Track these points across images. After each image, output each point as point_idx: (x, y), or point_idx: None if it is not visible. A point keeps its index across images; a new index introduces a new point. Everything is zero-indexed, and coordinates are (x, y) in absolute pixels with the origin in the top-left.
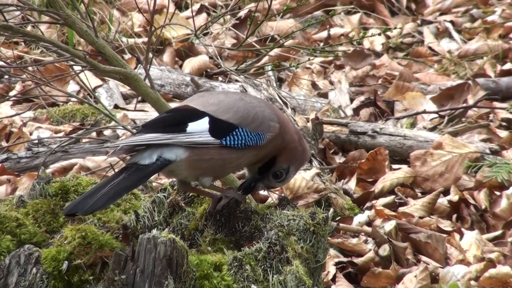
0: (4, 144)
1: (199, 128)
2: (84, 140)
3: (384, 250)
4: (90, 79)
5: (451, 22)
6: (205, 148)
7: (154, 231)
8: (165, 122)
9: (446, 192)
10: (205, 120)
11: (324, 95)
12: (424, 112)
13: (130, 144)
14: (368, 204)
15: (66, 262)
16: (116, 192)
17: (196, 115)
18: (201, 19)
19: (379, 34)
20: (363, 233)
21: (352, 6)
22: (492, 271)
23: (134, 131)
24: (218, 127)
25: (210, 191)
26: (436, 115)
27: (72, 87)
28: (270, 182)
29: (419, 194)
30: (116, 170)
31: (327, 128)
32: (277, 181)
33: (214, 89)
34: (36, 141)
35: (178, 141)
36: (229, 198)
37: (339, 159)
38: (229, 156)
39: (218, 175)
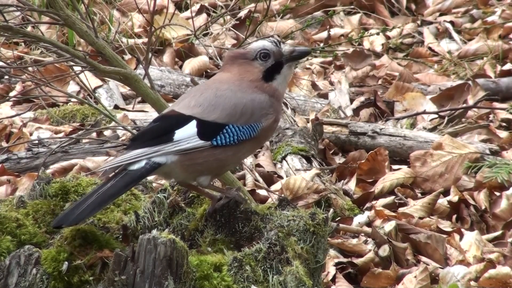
0: (4, 144)
1: (186, 134)
2: (84, 141)
3: (384, 250)
4: (90, 80)
5: (451, 22)
6: (197, 151)
7: (154, 232)
8: (151, 133)
9: (446, 193)
10: (192, 124)
11: (324, 96)
12: (424, 112)
13: (117, 165)
14: (368, 205)
15: (66, 262)
16: (103, 200)
17: (183, 120)
18: (201, 19)
19: (378, 34)
20: (363, 234)
21: (352, 7)
22: (492, 272)
23: (134, 131)
24: (206, 129)
25: (210, 192)
26: (436, 116)
27: (72, 87)
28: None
29: (419, 195)
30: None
31: (327, 128)
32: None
33: None
34: (36, 142)
35: (167, 152)
36: (229, 198)
37: (339, 160)
38: (224, 155)
39: (219, 173)
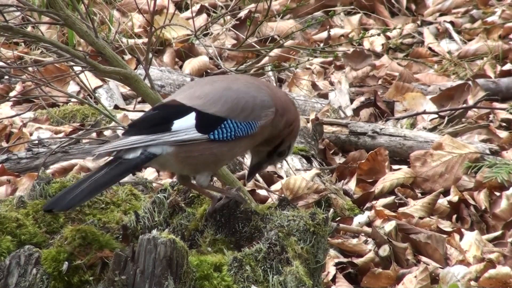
0: (4, 144)
1: (185, 125)
2: (84, 141)
3: (384, 250)
4: (90, 80)
5: (451, 22)
6: (194, 144)
7: (154, 232)
8: (150, 121)
9: (446, 193)
10: (192, 115)
11: (324, 96)
12: (424, 112)
13: (111, 150)
14: (368, 205)
15: (66, 262)
16: (96, 187)
17: (183, 111)
18: (201, 19)
19: (379, 35)
20: (363, 234)
21: (352, 7)
22: (492, 272)
23: None
24: (205, 121)
25: (210, 192)
26: (436, 116)
27: (72, 87)
28: (274, 161)
29: (419, 195)
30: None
31: (327, 128)
32: (281, 158)
33: None
34: (36, 142)
35: (163, 141)
36: (229, 198)
37: (339, 160)
38: (220, 150)
39: (213, 169)
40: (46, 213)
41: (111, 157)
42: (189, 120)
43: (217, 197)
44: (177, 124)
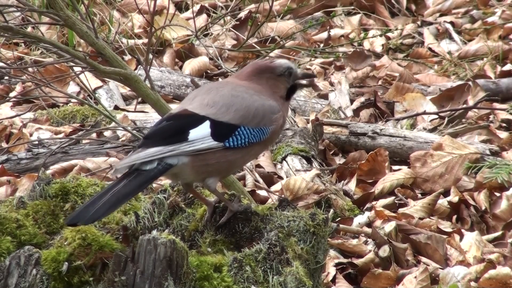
0: (4, 145)
1: (201, 134)
2: (84, 141)
3: (384, 251)
4: (90, 80)
5: (451, 23)
6: (210, 152)
7: (154, 232)
8: (166, 132)
9: (446, 193)
10: (206, 124)
11: (324, 96)
12: (424, 113)
13: (131, 164)
14: (368, 205)
15: (66, 263)
16: (118, 199)
17: (197, 120)
18: (201, 20)
19: (380, 35)
20: (363, 234)
21: (352, 7)
22: (492, 272)
23: (134, 132)
24: (220, 130)
25: (207, 198)
26: (436, 116)
27: (72, 88)
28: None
29: (419, 195)
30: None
31: (327, 129)
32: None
33: None
34: (36, 142)
35: (182, 152)
36: (233, 212)
37: (339, 160)
38: (235, 157)
39: (225, 175)
40: (69, 227)
41: (128, 169)
42: (204, 129)
43: (213, 203)
44: (193, 133)
